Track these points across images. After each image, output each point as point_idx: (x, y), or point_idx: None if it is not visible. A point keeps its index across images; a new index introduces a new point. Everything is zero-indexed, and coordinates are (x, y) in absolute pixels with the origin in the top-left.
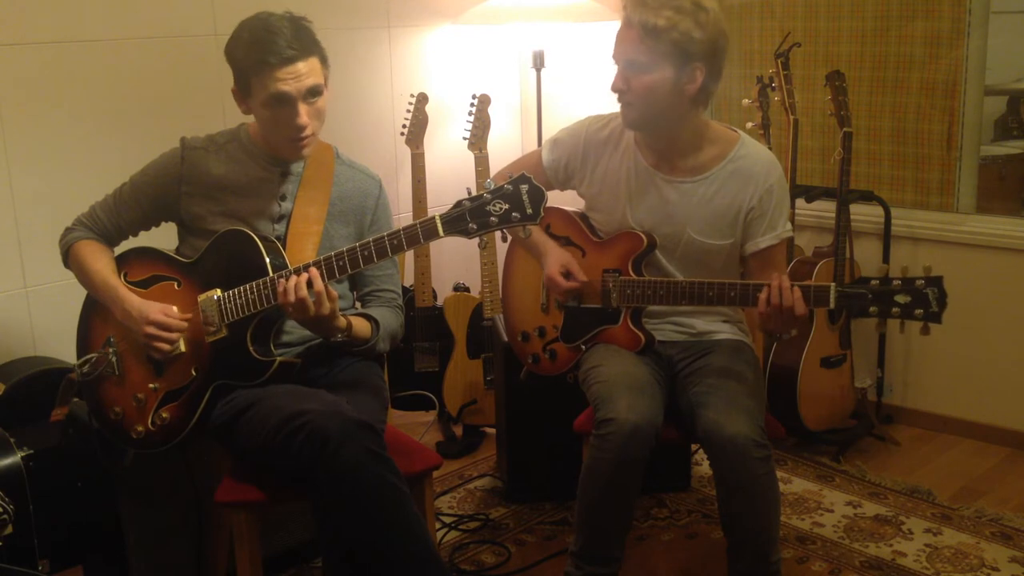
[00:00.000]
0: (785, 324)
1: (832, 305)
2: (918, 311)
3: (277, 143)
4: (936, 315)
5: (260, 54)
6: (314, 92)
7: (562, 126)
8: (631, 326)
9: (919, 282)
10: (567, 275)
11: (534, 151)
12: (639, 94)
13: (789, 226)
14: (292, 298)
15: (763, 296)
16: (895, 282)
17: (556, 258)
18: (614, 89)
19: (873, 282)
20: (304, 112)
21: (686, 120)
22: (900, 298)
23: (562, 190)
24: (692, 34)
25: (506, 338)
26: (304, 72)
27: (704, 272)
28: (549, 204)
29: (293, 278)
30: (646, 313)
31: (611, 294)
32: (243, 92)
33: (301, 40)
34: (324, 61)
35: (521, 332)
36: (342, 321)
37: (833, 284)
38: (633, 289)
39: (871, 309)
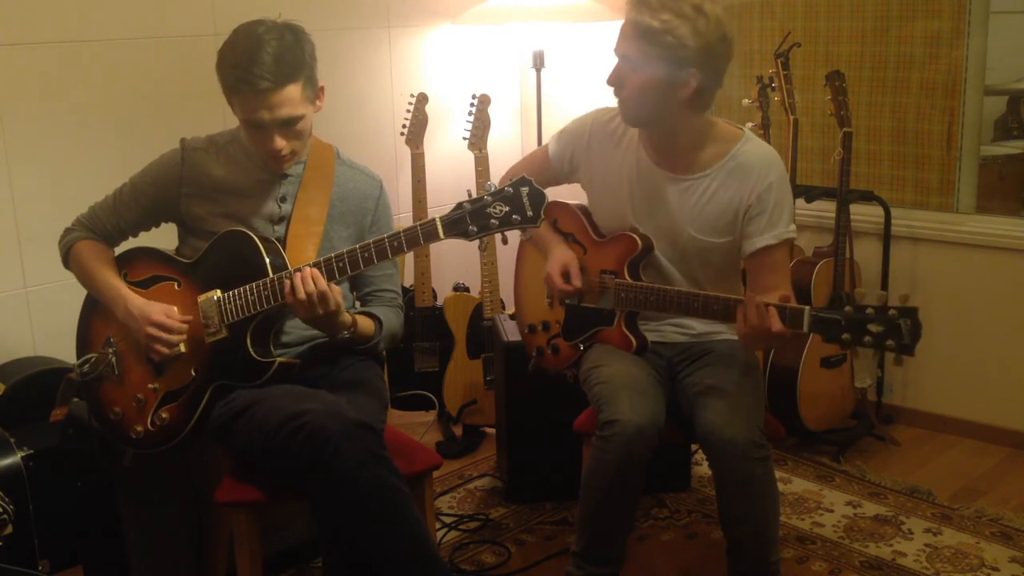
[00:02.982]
0: (765, 342)
1: (805, 329)
2: (890, 342)
3: (259, 155)
4: (908, 347)
5: (235, 82)
6: (289, 123)
7: (562, 126)
8: (624, 329)
9: (892, 311)
10: (566, 276)
11: (540, 148)
12: (632, 91)
13: (792, 227)
14: (301, 295)
15: (738, 317)
16: (869, 310)
17: (558, 257)
18: (608, 83)
19: (847, 308)
20: (279, 137)
21: (685, 122)
22: (873, 327)
23: (569, 182)
24: (686, 41)
25: (506, 337)
26: (277, 103)
27: (705, 271)
28: (558, 199)
29: (299, 275)
30: (646, 314)
31: (607, 296)
32: (228, 103)
33: (281, 67)
34: (308, 82)
35: (528, 325)
36: (347, 318)
37: (807, 308)
38: (627, 293)
39: (844, 336)
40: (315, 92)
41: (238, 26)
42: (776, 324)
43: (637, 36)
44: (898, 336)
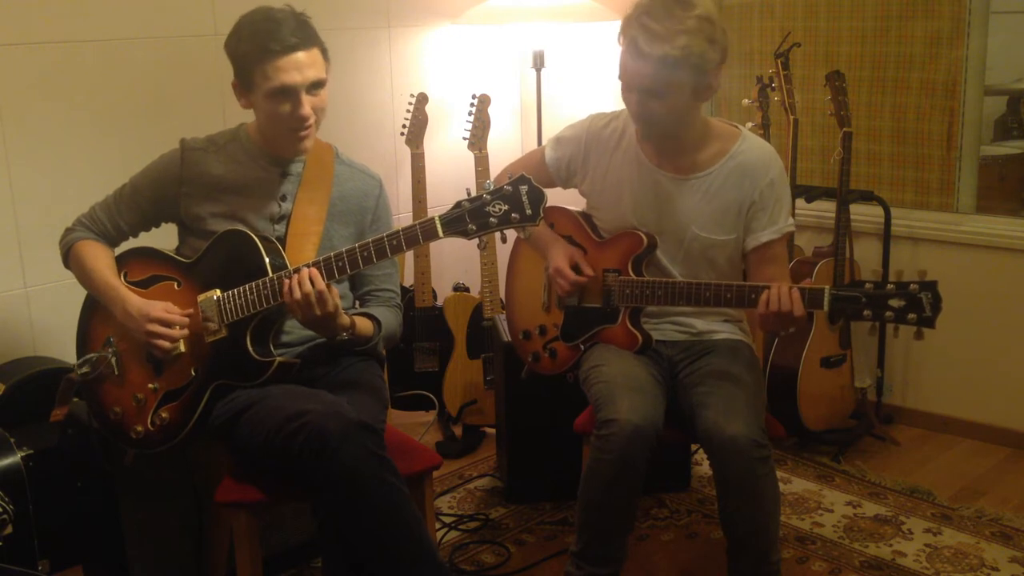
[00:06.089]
0: (784, 325)
1: (826, 308)
2: (911, 315)
3: (277, 135)
4: (930, 320)
5: (263, 42)
6: (317, 85)
7: (562, 126)
8: (629, 326)
9: (913, 286)
10: (576, 268)
11: (537, 149)
12: (661, 116)
13: (791, 221)
14: (298, 296)
15: (763, 299)
16: (889, 286)
17: (563, 251)
18: (635, 116)
19: (867, 285)
20: (307, 103)
21: (695, 120)
22: (894, 302)
23: (565, 188)
24: (708, 54)
25: (506, 337)
26: (306, 63)
27: (708, 270)
28: (552, 203)
29: (296, 276)
30: (646, 313)
31: (611, 294)
32: (244, 85)
33: (304, 31)
34: (325, 54)
35: (523, 330)
36: (345, 319)
37: (827, 287)
38: (632, 289)
39: (865, 313)
40: (329, 68)
41: (241, 16)
42: (799, 308)
43: (663, 69)
44: (920, 309)
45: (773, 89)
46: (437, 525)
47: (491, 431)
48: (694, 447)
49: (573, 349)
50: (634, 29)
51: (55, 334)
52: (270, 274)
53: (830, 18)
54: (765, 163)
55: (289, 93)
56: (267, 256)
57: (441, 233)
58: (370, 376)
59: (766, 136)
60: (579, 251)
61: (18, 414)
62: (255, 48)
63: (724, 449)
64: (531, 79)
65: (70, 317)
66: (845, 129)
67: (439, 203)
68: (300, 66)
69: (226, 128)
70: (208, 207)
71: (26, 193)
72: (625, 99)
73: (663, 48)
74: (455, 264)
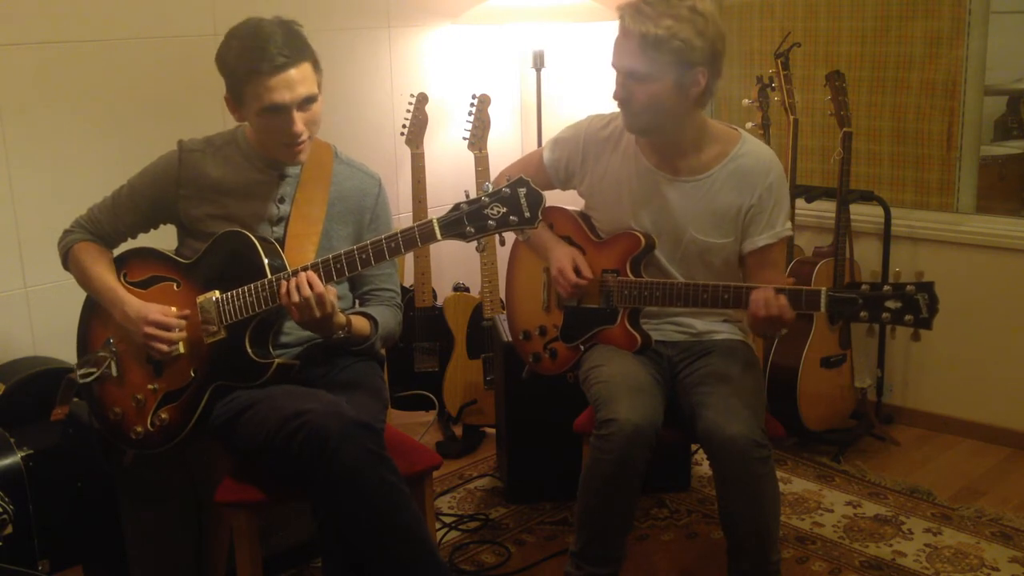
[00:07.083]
0: (774, 328)
1: (823, 310)
2: (908, 317)
3: (273, 148)
4: (926, 321)
5: (251, 62)
6: (308, 100)
7: (562, 126)
8: (628, 327)
9: (910, 287)
10: (576, 271)
11: (535, 151)
12: (642, 103)
13: (789, 225)
14: (296, 299)
15: (752, 299)
16: (886, 287)
17: (565, 252)
18: (616, 99)
19: (864, 287)
20: (299, 120)
21: (689, 121)
22: (891, 304)
23: (564, 189)
24: (693, 42)
25: (506, 337)
26: (297, 80)
27: (705, 272)
28: (551, 203)
29: (294, 279)
30: (646, 313)
31: (609, 294)
32: (236, 101)
33: (292, 46)
34: (316, 66)
35: (523, 331)
36: (342, 319)
37: (824, 289)
38: (630, 290)
39: (861, 314)
40: (321, 78)
41: (230, 29)
42: (788, 312)
43: (644, 47)
44: (916, 311)
45: (773, 89)
46: (437, 525)
47: (491, 431)
48: (694, 447)
49: (573, 349)
50: (626, 9)
51: (55, 334)
52: (269, 275)
53: (830, 18)
54: (764, 166)
55: (280, 111)
56: (266, 257)
57: (439, 236)
58: (370, 376)
59: (766, 136)
60: (579, 252)
61: (18, 414)
62: (244, 67)
63: (724, 449)
64: (531, 79)
65: (70, 317)
66: (845, 129)
67: (439, 203)
68: (291, 84)
69: (225, 129)
70: (206, 209)
71: (26, 193)
72: (615, 86)
73: (646, 25)
74: (455, 264)
